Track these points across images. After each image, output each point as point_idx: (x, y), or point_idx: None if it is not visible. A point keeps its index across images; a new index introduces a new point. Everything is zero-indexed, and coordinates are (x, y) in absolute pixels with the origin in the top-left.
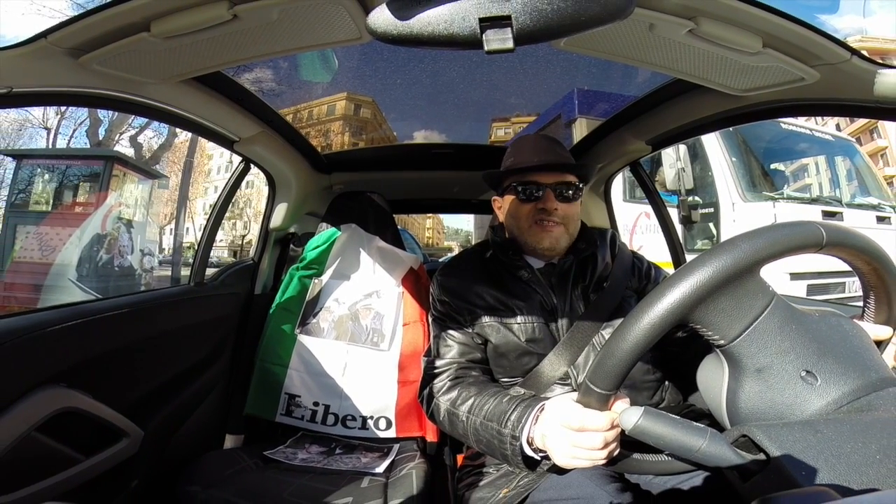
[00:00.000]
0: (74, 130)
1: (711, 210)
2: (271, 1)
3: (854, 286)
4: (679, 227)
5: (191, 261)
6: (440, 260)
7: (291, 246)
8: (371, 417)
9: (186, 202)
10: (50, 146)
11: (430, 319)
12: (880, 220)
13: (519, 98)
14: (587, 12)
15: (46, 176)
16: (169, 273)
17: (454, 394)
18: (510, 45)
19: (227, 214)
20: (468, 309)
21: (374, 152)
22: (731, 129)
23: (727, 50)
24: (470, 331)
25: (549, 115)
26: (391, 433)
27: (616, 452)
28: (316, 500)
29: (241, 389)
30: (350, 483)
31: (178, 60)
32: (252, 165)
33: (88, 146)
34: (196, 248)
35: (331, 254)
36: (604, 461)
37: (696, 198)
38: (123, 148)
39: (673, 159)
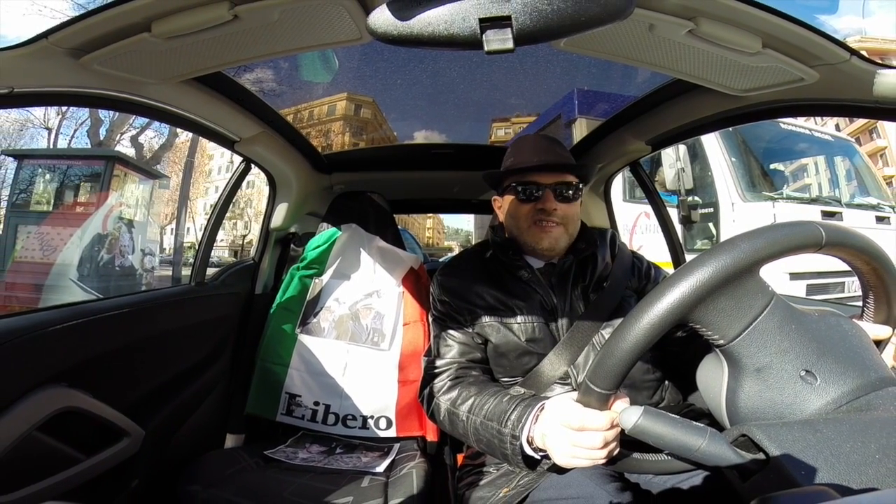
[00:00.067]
0: (75, 130)
1: (711, 210)
2: (272, 1)
3: (853, 286)
4: (679, 227)
5: (191, 261)
6: (440, 260)
7: (292, 246)
8: (371, 417)
9: (187, 202)
10: (51, 146)
11: (430, 319)
12: (879, 220)
13: (519, 98)
14: (587, 13)
15: (47, 176)
16: (170, 273)
17: (454, 393)
18: (510, 45)
19: (228, 214)
20: (468, 309)
21: (374, 152)
22: (730, 129)
23: (727, 50)
24: (470, 330)
25: (549, 115)
26: (391, 433)
27: (616, 452)
28: (316, 500)
29: (241, 389)
30: (350, 482)
31: (178, 61)
32: (253, 165)
33: (89, 146)
34: (197, 247)
35: (331, 254)
36: (604, 460)
37: (696, 198)
38: (124, 148)
39: (673, 159)
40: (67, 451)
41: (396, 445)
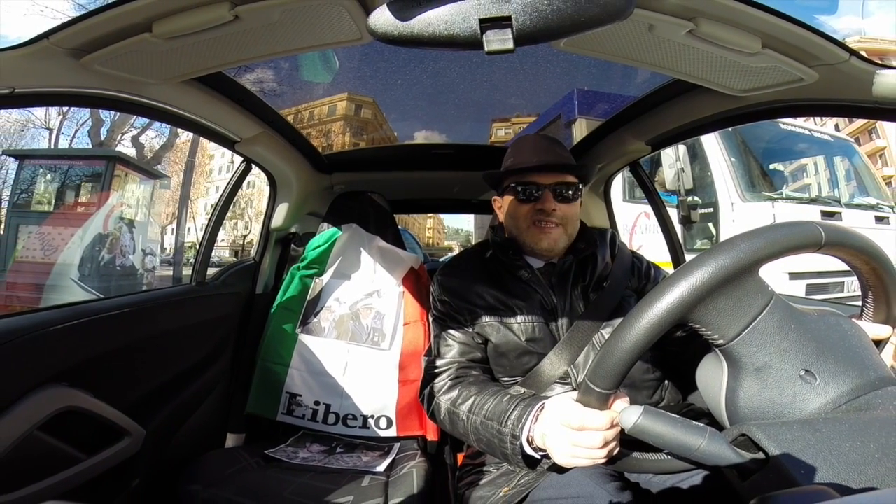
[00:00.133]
0: (76, 131)
1: (711, 210)
2: (272, 2)
3: (853, 286)
4: (678, 227)
5: (192, 261)
6: (440, 260)
7: (292, 246)
8: (372, 416)
9: (188, 202)
10: (52, 146)
11: (430, 319)
12: (879, 219)
13: (519, 98)
14: (587, 13)
15: (48, 176)
16: (170, 273)
17: (455, 393)
18: (510, 45)
19: (229, 214)
20: (468, 309)
21: (374, 152)
22: (730, 129)
23: (726, 50)
24: (470, 330)
25: (549, 115)
26: (392, 432)
27: (616, 451)
28: (317, 499)
29: (242, 389)
30: (351, 482)
31: (179, 61)
32: (253, 165)
33: (90, 146)
34: (197, 247)
35: (332, 253)
36: (603, 460)
37: (696, 198)
38: (125, 148)
39: (672, 159)
40: (68, 450)
41: (397, 445)
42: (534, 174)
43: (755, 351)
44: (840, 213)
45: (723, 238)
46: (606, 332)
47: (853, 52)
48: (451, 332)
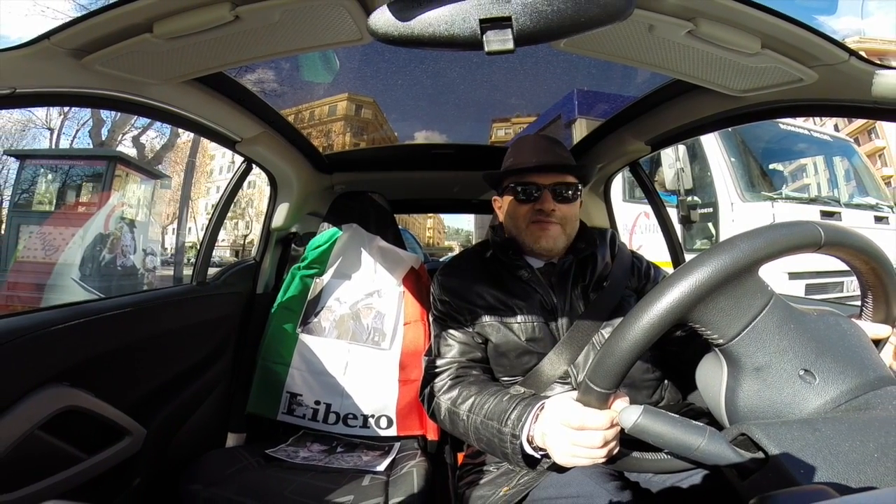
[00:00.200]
0: (77, 131)
1: (710, 210)
2: (273, 2)
3: (852, 286)
4: (678, 227)
5: (193, 260)
6: (441, 259)
7: (293, 245)
8: (372, 416)
9: (188, 202)
10: (53, 146)
11: (430, 319)
12: (878, 219)
13: (519, 99)
14: (587, 13)
15: (49, 176)
16: (171, 273)
17: (455, 393)
18: (510, 45)
19: (230, 214)
20: (468, 308)
21: (375, 152)
22: (729, 129)
23: (726, 51)
24: (470, 330)
25: (549, 115)
26: (392, 432)
27: (616, 451)
28: (317, 499)
29: (242, 388)
30: (351, 481)
31: (180, 61)
32: (254, 166)
33: (91, 146)
34: (198, 247)
35: (332, 253)
36: (603, 459)
37: (695, 198)
38: (126, 148)
39: (672, 159)
40: (69, 450)
41: (397, 444)
42: (533, 174)
43: (755, 350)
44: (839, 213)
45: (722, 238)
46: (606, 331)
47: (852, 53)
48: (452, 331)
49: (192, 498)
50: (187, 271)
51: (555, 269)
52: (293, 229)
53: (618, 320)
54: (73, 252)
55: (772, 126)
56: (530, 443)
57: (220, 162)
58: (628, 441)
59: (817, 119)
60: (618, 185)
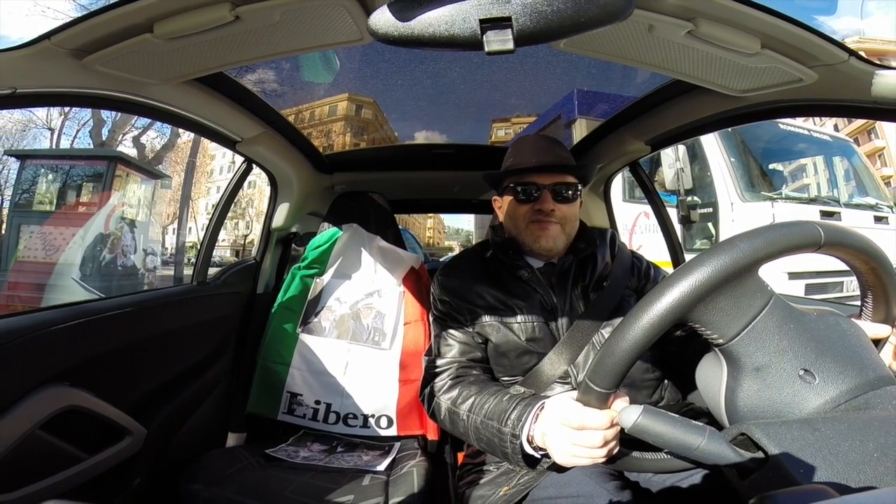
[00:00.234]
0: (78, 131)
1: (710, 210)
2: (273, 2)
3: (852, 285)
4: (678, 227)
5: (193, 260)
6: (441, 259)
7: (293, 245)
8: (372, 416)
9: (189, 202)
10: (53, 147)
11: (430, 318)
12: (878, 219)
13: (519, 99)
14: (587, 14)
15: (50, 176)
16: (172, 272)
17: (455, 392)
18: (510, 46)
19: (230, 214)
20: (469, 308)
21: (375, 152)
22: (729, 129)
23: (726, 51)
24: (470, 330)
25: (549, 115)
26: (392, 431)
27: (616, 451)
28: (317, 498)
29: (243, 388)
30: (351, 481)
31: (180, 61)
32: (254, 166)
33: (92, 146)
34: (198, 247)
35: (332, 253)
36: (603, 459)
37: (695, 198)
38: (126, 148)
39: (672, 159)
40: (70, 449)
41: (397, 444)
42: (533, 174)
43: (754, 350)
44: (839, 213)
45: (722, 238)
46: (606, 331)
47: (852, 53)
48: (452, 331)
49: (192, 498)
50: (187, 271)
51: (555, 269)
52: (293, 229)
53: (618, 320)
54: (74, 252)
55: (772, 126)
56: (530, 442)
57: (220, 162)
58: (628, 441)
59: (817, 119)
60: (618, 185)
